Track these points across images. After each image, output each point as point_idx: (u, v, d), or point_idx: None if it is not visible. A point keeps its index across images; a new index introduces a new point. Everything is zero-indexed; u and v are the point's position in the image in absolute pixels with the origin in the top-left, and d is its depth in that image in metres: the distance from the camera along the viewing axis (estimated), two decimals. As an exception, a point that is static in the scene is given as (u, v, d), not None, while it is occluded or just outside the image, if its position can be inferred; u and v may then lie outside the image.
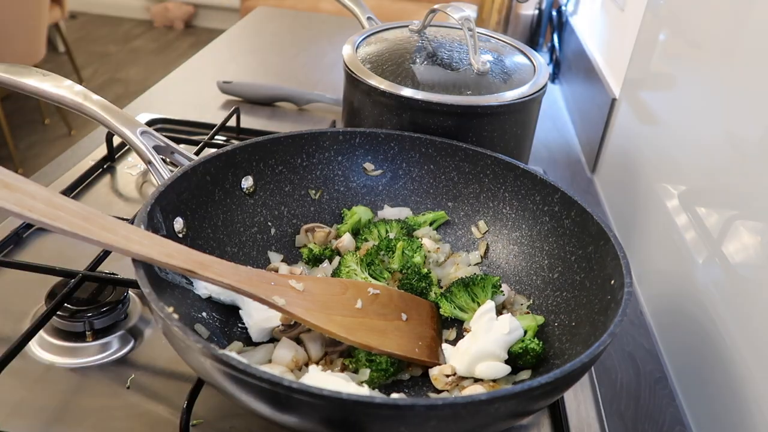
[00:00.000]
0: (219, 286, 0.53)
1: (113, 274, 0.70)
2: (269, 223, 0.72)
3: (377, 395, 0.54)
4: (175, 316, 0.46)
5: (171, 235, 0.60)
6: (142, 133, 0.70)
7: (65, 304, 0.65)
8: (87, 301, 0.66)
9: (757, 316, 0.58)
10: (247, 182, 0.70)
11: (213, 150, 0.96)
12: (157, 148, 0.70)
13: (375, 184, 0.76)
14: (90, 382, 0.61)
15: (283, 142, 0.71)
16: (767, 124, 0.60)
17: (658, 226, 0.81)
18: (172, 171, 0.67)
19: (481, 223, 0.73)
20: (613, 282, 0.56)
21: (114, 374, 0.62)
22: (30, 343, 0.62)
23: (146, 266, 0.50)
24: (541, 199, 0.68)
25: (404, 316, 0.61)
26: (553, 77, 1.48)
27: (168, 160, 0.72)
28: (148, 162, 0.69)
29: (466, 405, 0.41)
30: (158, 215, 0.58)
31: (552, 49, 1.53)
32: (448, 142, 0.73)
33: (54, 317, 0.64)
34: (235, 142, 0.72)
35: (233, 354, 0.44)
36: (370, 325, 0.58)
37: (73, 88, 0.71)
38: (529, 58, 0.84)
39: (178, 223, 0.61)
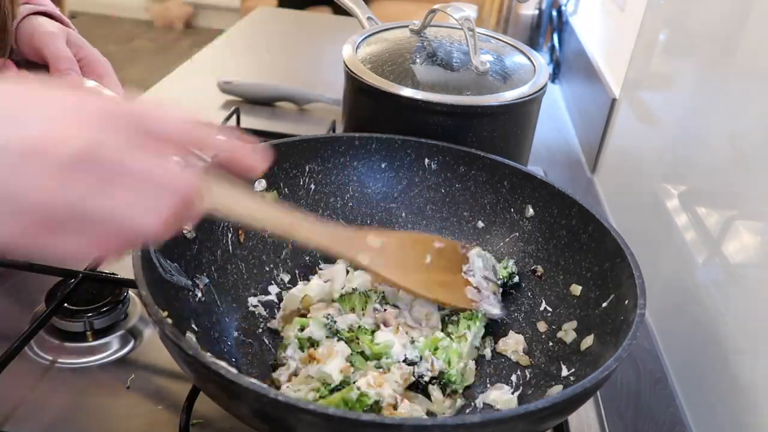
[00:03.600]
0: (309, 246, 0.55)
1: (113, 274, 0.70)
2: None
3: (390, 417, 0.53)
4: (169, 320, 0.46)
5: (178, 236, 0.60)
6: None
7: (65, 304, 0.65)
8: (87, 301, 0.66)
9: (757, 316, 0.58)
10: (261, 185, 0.69)
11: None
12: None
13: (391, 191, 0.75)
14: (90, 382, 0.61)
15: (298, 145, 0.71)
16: (767, 124, 0.60)
17: (658, 226, 0.81)
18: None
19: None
20: (627, 302, 0.54)
21: (114, 374, 0.62)
22: (30, 343, 0.62)
23: (146, 267, 0.50)
24: (558, 212, 0.67)
25: (464, 267, 0.64)
26: (553, 77, 1.48)
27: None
28: None
29: (456, 427, 0.40)
30: None
31: (552, 49, 1.53)
32: (466, 150, 0.72)
33: (54, 317, 0.64)
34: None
35: (223, 363, 0.44)
36: (440, 281, 0.61)
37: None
38: (529, 58, 0.84)
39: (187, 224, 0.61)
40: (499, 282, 0.66)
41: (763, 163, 0.60)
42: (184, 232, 0.61)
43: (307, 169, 0.72)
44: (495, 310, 0.63)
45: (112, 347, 0.65)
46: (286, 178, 0.71)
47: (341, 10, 1.04)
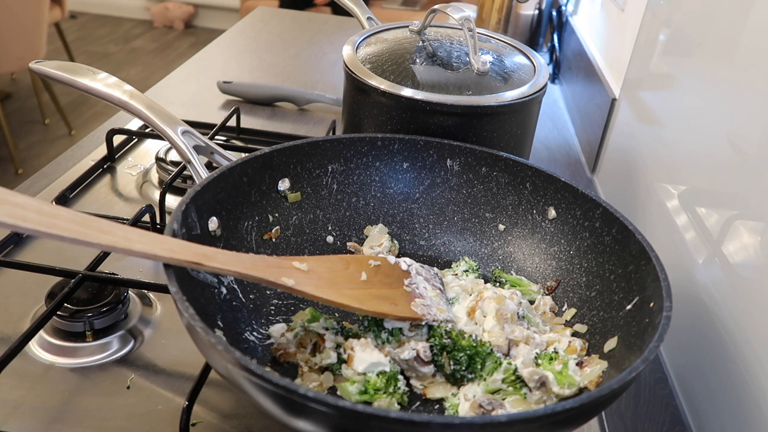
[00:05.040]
0: (227, 275, 0.52)
1: (113, 274, 0.70)
2: (305, 227, 0.71)
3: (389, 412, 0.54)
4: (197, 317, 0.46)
5: (205, 234, 0.60)
6: (183, 132, 0.70)
7: (65, 304, 0.65)
8: (87, 301, 0.66)
9: (757, 316, 0.58)
10: (284, 184, 0.69)
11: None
12: (197, 148, 0.70)
13: (412, 192, 0.75)
14: (90, 382, 0.61)
15: (321, 145, 0.71)
16: (767, 124, 0.60)
17: (658, 227, 0.81)
18: (208, 171, 0.66)
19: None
20: (652, 305, 0.54)
21: (114, 374, 0.62)
22: (30, 343, 0.62)
23: (176, 267, 0.50)
24: (581, 214, 0.67)
25: (406, 281, 0.62)
26: (553, 77, 1.48)
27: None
28: (188, 161, 0.69)
29: (484, 425, 0.40)
30: (193, 214, 0.58)
31: (552, 49, 1.53)
32: (488, 151, 0.72)
33: (54, 317, 0.64)
34: (242, 145, 0.72)
35: (254, 361, 0.44)
36: (378, 294, 0.59)
37: (122, 87, 0.71)
38: (529, 58, 0.84)
39: (213, 223, 0.61)
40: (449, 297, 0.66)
41: (763, 163, 0.60)
42: (210, 230, 0.61)
43: (329, 169, 0.72)
44: (442, 315, 0.61)
45: (112, 347, 0.65)
46: (309, 177, 0.71)
47: (341, 10, 1.04)
